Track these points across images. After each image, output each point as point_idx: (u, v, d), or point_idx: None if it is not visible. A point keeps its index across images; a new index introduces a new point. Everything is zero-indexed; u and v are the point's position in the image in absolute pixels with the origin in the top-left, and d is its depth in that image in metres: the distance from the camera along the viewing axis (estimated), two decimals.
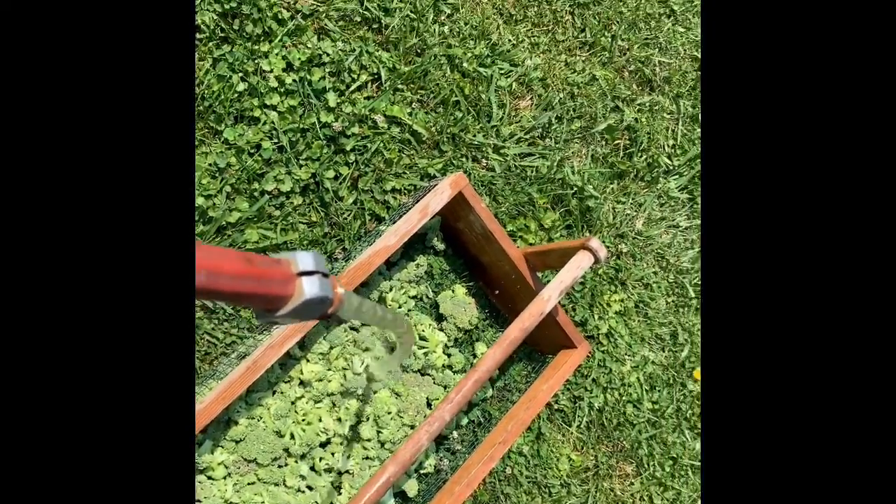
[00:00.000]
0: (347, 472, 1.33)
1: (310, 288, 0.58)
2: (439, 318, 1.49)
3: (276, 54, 1.34)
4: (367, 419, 1.36)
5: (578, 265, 1.23)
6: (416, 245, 1.48)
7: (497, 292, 1.55)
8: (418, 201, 1.35)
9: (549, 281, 1.59)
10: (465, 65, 1.55)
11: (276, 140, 1.33)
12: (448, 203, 1.33)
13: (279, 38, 1.35)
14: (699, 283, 1.85)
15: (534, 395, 1.41)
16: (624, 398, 1.72)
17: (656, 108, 1.84)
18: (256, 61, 1.33)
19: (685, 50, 1.91)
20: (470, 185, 1.34)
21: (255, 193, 1.32)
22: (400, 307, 1.43)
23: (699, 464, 1.82)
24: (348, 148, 1.39)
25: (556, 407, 1.65)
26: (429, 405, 1.44)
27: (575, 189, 1.66)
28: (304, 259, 0.59)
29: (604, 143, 1.76)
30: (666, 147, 1.86)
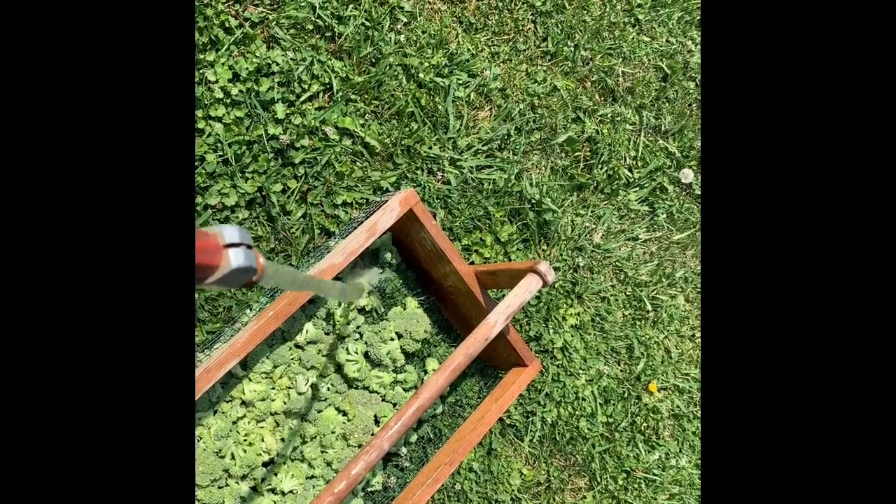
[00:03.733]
0: (291, 492, 1.31)
1: (236, 258, 0.62)
2: (397, 336, 1.46)
3: (223, 64, 1.30)
4: (312, 439, 1.33)
5: (526, 289, 1.21)
6: (368, 259, 1.45)
7: (449, 307, 1.53)
8: (370, 216, 1.32)
9: (500, 297, 1.58)
10: (421, 75, 1.51)
11: (220, 153, 1.30)
12: (398, 220, 1.31)
13: (226, 47, 1.31)
14: (656, 296, 1.85)
15: (482, 416, 1.40)
16: (577, 412, 1.72)
17: (618, 119, 1.82)
18: (202, 71, 1.28)
19: (649, 60, 1.89)
20: (420, 203, 1.31)
21: (199, 208, 1.28)
22: (348, 323, 1.40)
23: (653, 476, 1.82)
24: (297, 161, 1.36)
25: (507, 422, 1.64)
26: (377, 422, 1.42)
27: (533, 202, 1.64)
28: (230, 232, 0.63)
29: (564, 154, 1.74)
30: (627, 158, 1.84)
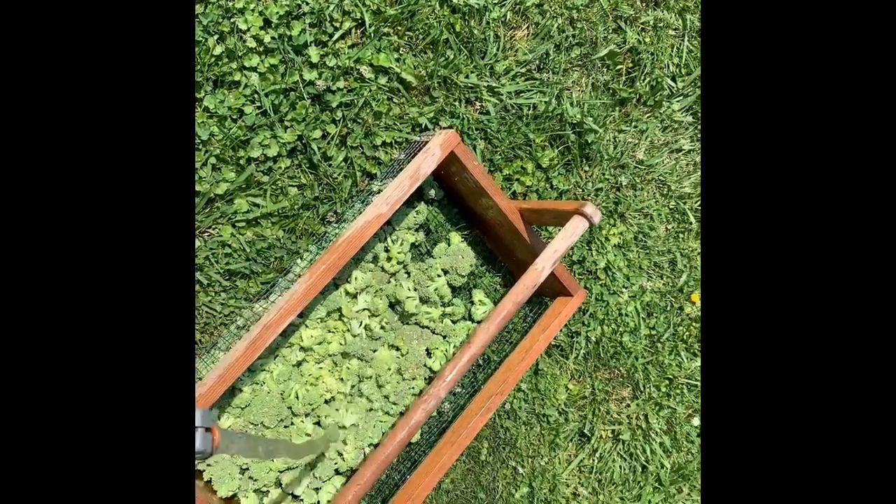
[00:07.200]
0: (353, 425, 1.39)
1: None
2: (443, 272, 1.49)
3: (253, 10, 1.25)
4: (369, 378, 1.40)
5: (573, 232, 1.22)
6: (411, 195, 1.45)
7: (493, 239, 1.54)
8: (410, 157, 1.31)
9: (542, 233, 1.58)
10: None
11: (258, 104, 1.28)
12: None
13: None
14: (699, 207, 1.83)
15: (529, 346, 1.45)
16: (621, 328, 1.76)
17: (661, 25, 1.73)
18: (232, 20, 1.25)
19: None
20: (461, 144, 1.30)
21: (242, 161, 1.28)
22: (400, 263, 1.42)
23: (695, 381, 1.88)
24: (334, 104, 1.34)
25: (553, 343, 1.69)
26: (428, 354, 1.47)
27: (574, 123, 1.61)
28: None
29: (605, 69, 1.67)
30: (671, 66, 1.77)
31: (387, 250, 1.41)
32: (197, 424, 0.72)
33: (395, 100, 1.42)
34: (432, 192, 1.45)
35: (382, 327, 1.41)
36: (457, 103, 1.48)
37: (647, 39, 1.71)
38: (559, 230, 1.22)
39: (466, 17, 1.47)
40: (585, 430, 1.76)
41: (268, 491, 1.33)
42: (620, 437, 1.80)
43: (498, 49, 1.52)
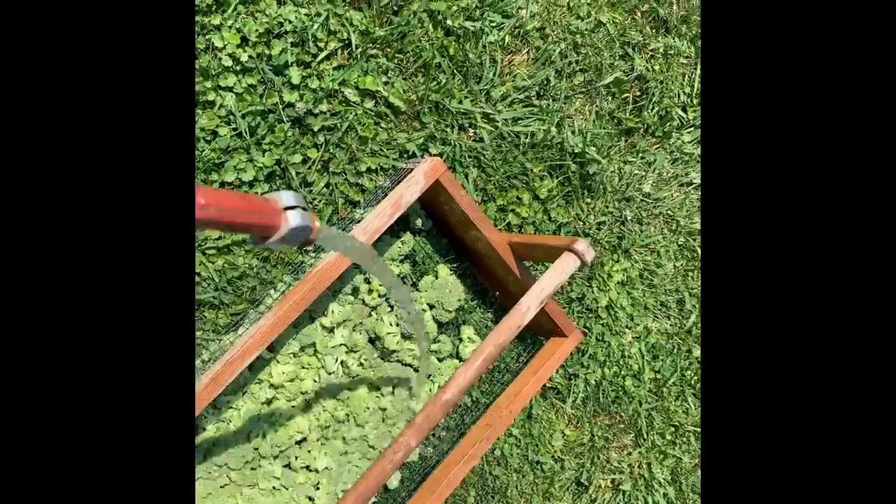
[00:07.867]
0: (326, 468, 1.30)
1: (294, 219, 0.68)
2: (429, 307, 1.40)
3: (230, 27, 1.19)
4: (347, 417, 1.31)
5: (562, 270, 1.12)
6: (396, 225, 1.38)
7: (483, 272, 1.45)
8: (396, 184, 1.24)
9: (533, 267, 1.49)
10: (449, 21, 1.38)
11: (234, 125, 1.22)
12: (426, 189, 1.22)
13: (232, 7, 1.20)
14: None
15: (519, 389, 1.35)
16: (623, 371, 1.65)
17: (671, 52, 1.65)
18: (207, 37, 1.19)
19: None
20: (447, 172, 1.22)
21: (214, 186, 1.22)
22: (382, 295, 1.34)
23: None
24: (316, 128, 1.27)
25: (548, 385, 1.59)
26: (412, 395, 1.38)
27: (575, 153, 1.52)
28: (288, 196, 0.69)
29: (610, 97, 1.59)
30: (681, 95, 1.68)
31: (368, 282, 1.33)
32: (292, 204, 0.68)
33: (382, 125, 1.34)
34: (419, 222, 1.37)
35: (361, 364, 1.32)
36: (448, 129, 1.40)
37: (657, 67, 1.63)
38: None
39: (461, 40, 1.40)
40: (583, 479, 1.65)
41: None
42: (621, 486, 1.69)
43: (495, 74, 1.45)
